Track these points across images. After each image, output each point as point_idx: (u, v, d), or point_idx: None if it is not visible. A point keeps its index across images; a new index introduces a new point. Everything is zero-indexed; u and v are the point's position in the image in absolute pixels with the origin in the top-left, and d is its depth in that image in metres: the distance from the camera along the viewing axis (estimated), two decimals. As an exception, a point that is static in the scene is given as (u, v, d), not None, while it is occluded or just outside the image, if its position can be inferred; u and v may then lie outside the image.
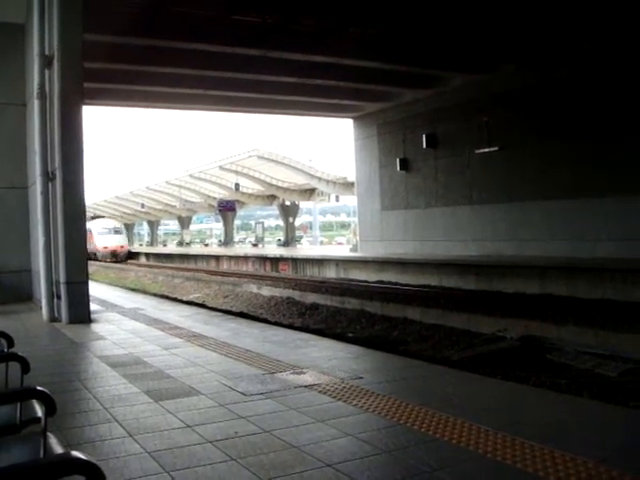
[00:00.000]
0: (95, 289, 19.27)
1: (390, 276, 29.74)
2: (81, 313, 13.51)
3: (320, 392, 6.99)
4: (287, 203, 60.76)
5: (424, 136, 32.77)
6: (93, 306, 14.92)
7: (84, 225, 14.56)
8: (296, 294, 24.74)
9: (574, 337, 13.76)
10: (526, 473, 4.57)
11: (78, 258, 13.61)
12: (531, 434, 5.33)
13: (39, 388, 3.00)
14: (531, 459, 4.81)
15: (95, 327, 12.93)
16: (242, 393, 7.07)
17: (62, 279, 13.41)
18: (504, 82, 27.89)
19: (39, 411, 3.57)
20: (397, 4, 21.23)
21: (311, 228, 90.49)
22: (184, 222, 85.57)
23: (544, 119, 25.97)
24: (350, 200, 57.65)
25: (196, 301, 24.42)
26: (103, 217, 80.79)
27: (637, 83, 22.17)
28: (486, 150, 27.94)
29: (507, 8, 21.01)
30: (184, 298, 26.04)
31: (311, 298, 23.50)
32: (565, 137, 24.84)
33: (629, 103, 22.44)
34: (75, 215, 13.57)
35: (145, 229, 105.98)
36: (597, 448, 5.00)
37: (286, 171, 50.80)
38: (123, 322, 13.54)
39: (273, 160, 49.10)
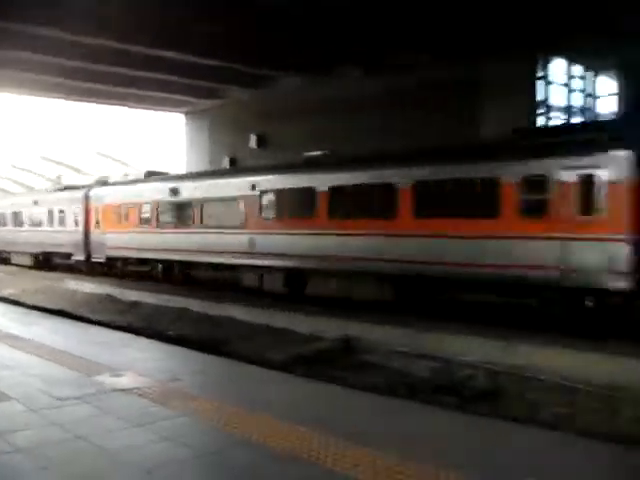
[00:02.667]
0: None
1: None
2: None
3: (138, 395, 6.91)
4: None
5: (254, 136, 32.94)
6: None
7: None
8: (117, 291, 24.06)
9: (388, 337, 14.40)
10: (336, 473, 4.78)
11: None
12: (345, 435, 5.56)
13: None
14: (341, 459, 5.03)
15: None
16: (57, 398, 6.83)
17: None
18: (339, 86, 28.46)
19: None
20: (239, 3, 21.19)
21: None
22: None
23: (377, 125, 26.81)
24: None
25: (11, 297, 23.09)
26: None
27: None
28: (316, 153, 28.47)
29: (348, 14, 21.45)
30: (-2, 293, 24.55)
31: (133, 295, 22.93)
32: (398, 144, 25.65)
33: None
34: None
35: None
36: (398, 445, 5.31)
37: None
38: None
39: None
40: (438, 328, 14.53)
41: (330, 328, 15.41)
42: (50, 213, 33.12)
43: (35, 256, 34.79)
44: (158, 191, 25.77)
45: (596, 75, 29.14)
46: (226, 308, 19.23)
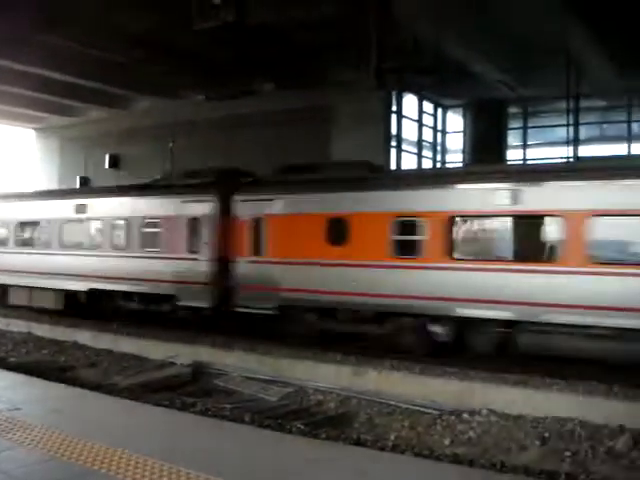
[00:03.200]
0: None
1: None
2: None
3: (-30, 425, 6.45)
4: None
5: (107, 156, 32.12)
6: None
7: None
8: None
9: (241, 363, 14.31)
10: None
11: None
12: (187, 462, 5.41)
13: None
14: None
15: None
16: None
17: None
18: (192, 111, 28.45)
19: None
20: (88, 21, 20.65)
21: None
22: None
23: (229, 149, 26.95)
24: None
25: None
26: None
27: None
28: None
29: (191, 44, 21.56)
30: None
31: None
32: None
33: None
34: None
35: None
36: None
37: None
38: None
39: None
40: (289, 353, 14.57)
41: (182, 353, 15.12)
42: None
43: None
44: None
45: (445, 112, 30.74)
46: (72, 333, 18.45)
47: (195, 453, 5.73)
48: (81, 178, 33.13)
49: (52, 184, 34.57)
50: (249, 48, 21.88)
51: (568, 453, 9.08)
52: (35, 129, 37.56)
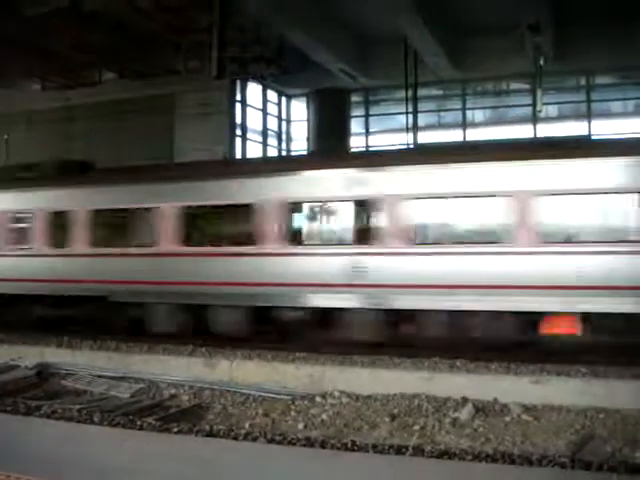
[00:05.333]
0: None
1: None
2: None
3: None
4: None
5: None
6: None
7: None
8: None
9: (89, 361, 13.89)
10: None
11: None
12: (24, 468, 5.17)
13: None
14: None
15: None
16: None
17: None
18: (28, 101, 27.21)
19: None
20: None
21: None
22: None
23: (65, 142, 26.02)
24: None
25: None
26: None
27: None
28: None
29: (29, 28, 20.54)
30: None
31: None
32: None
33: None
34: None
35: None
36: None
37: None
38: None
39: None
40: (140, 349, 14.30)
41: (26, 355, 14.44)
42: None
43: None
44: None
45: (289, 101, 31.09)
46: None
47: (34, 459, 5.54)
48: None
49: None
50: (86, 36, 21.15)
51: (416, 427, 9.53)
52: None
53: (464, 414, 9.87)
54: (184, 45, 22.11)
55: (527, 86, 27.66)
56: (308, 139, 30.01)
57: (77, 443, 6.08)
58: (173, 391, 12.06)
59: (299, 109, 31.32)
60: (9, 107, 27.90)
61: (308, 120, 30.18)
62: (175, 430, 8.72)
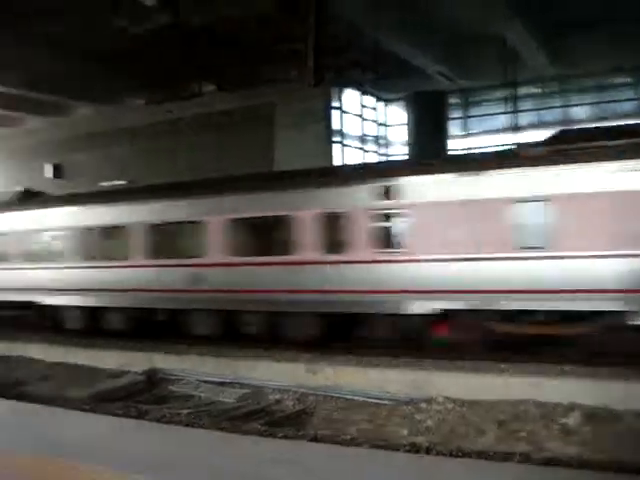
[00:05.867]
0: None
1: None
2: None
3: None
4: None
5: (49, 166, 31.57)
6: None
7: None
8: None
9: (196, 367, 14.21)
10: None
11: None
12: (141, 470, 5.33)
13: None
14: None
15: None
16: None
17: None
18: (132, 116, 28.16)
19: None
20: (12, 29, 20.28)
21: None
22: None
23: (171, 155, 26.77)
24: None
25: None
26: None
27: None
28: (114, 183, 27.89)
29: (133, 46, 21.33)
30: None
31: None
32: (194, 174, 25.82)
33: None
34: None
35: None
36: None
37: None
38: None
39: None
40: (245, 355, 14.52)
41: (135, 361, 14.94)
42: None
43: None
44: None
45: (386, 105, 30.99)
46: (22, 347, 18.06)
47: (150, 460, 5.68)
48: (25, 189, 32.48)
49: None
50: (186, 50, 21.75)
51: (523, 433, 9.27)
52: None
53: (573, 420, 9.53)
54: (281, 55, 22.39)
55: (629, 79, 26.64)
56: (407, 143, 29.83)
57: (186, 447, 6.19)
58: (278, 396, 12.17)
59: (397, 113, 31.19)
60: (114, 123, 28.99)
61: (407, 124, 30.01)
62: (280, 435, 8.79)
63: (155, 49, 21.57)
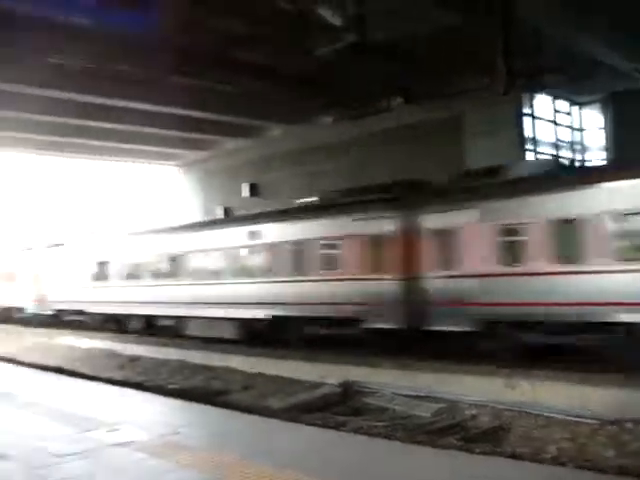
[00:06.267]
0: None
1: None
2: None
3: (136, 449, 6.82)
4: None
5: (246, 185, 33.22)
6: None
7: None
8: (117, 346, 23.86)
9: (391, 380, 14.27)
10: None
11: None
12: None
13: None
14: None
15: None
16: (54, 454, 6.75)
17: None
18: (323, 134, 28.98)
19: None
20: (214, 58, 21.63)
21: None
22: None
23: (361, 170, 27.17)
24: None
25: (6, 356, 22.90)
26: None
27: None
28: (308, 200, 28.70)
29: (321, 66, 21.98)
30: (-5, 353, 24.33)
31: (134, 349, 22.75)
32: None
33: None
34: None
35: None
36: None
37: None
38: None
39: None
40: (440, 368, 14.38)
41: (331, 373, 15.28)
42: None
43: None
44: None
45: (581, 109, 29.58)
46: (223, 358, 19.09)
47: (350, 470, 5.79)
48: (224, 208, 34.47)
49: (196, 217, 36.18)
50: (373, 66, 22.07)
51: None
52: (177, 165, 39.49)
53: None
54: (469, 65, 22.13)
55: None
56: (606, 148, 28.29)
57: (383, 458, 6.25)
58: (473, 411, 11.95)
59: (592, 117, 29.68)
60: (307, 141, 29.98)
61: (605, 127, 28.46)
62: (477, 451, 8.63)
63: (342, 68, 22.11)
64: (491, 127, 24.09)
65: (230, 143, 33.93)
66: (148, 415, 8.62)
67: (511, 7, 18.36)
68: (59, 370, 17.38)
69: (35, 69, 21.32)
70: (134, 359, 21.56)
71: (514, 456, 8.58)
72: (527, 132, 25.58)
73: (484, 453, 8.52)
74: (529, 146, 25.59)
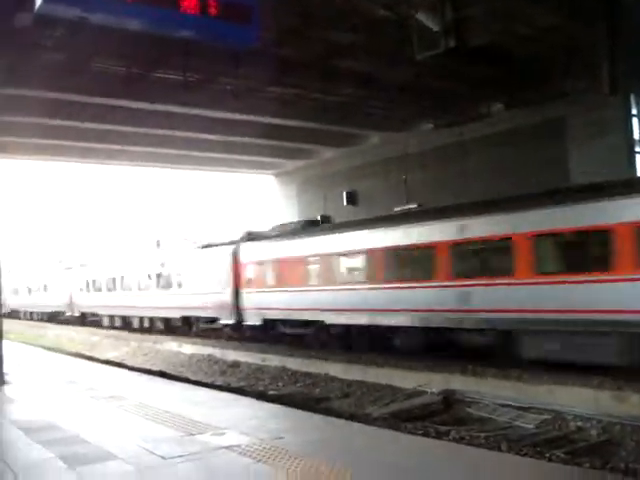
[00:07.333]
0: (9, 348, 18.56)
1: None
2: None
3: (240, 454, 6.92)
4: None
5: (344, 193, 33.31)
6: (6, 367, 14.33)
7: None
8: (217, 352, 24.36)
9: (493, 390, 13.98)
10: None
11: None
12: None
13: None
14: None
15: (8, 390, 12.44)
16: (161, 457, 6.92)
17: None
18: (421, 141, 28.79)
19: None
20: (313, 67, 21.85)
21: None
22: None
23: (460, 177, 26.83)
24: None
25: (114, 360, 23.78)
26: None
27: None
28: (405, 207, 28.54)
29: (419, 72, 21.84)
30: (102, 357, 25.32)
31: (233, 355, 23.17)
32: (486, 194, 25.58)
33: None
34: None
35: None
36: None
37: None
38: (38, 384, 13.08)
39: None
40: (545, 379, 13.96)
41: (431, 382, 15.12)
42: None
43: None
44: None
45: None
46: (322, 365, 19.17)
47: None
48: (322, 216, 34.62)
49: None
50: (472, 71, 21.79)
51: None
52: (274, 174, 40.04)
53: None
54: (571, 66, 21.50)
55: None
56: None
57: (487, 470, 6.12)
58: (580, 424, 11.54)
59: None
60: (404, 149, 29.82)
61: None
62: (587, 466, 8.33)
63: (442, 73, 21.91)
64: (596, 130, 23.25)
65: (328, 152, 34.16)
66: (251, 420, 8.73)
67: (615, 7, 17.77)
68: (163, 374, 17.89)
69: (133, 83, 22.16)
70: (234, 365, 21.97)
71: (626, 472, 8.24)
72: (636, 135, 24.58)
73: (594, 468, 8.21)
74: (638, 149, 24.58)
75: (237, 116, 26.47)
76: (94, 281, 40.82)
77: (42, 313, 49.73)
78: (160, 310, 32.40)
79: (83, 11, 9.69)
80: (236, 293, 26.19)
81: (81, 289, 42.58)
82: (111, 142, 29.85)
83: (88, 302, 41.72)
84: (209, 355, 24.32)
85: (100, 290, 39.89)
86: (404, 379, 16.03)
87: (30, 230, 75.36)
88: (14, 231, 65.57)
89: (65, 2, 9.49)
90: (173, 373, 19.76)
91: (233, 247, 27.05)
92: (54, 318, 46.69)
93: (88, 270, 42.48)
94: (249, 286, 25.65)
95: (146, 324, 34.67)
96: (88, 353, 26.69)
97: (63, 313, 45.29)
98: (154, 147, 31.33)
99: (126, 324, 37.17)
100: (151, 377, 14.83)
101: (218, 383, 18.16)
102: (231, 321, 26.59)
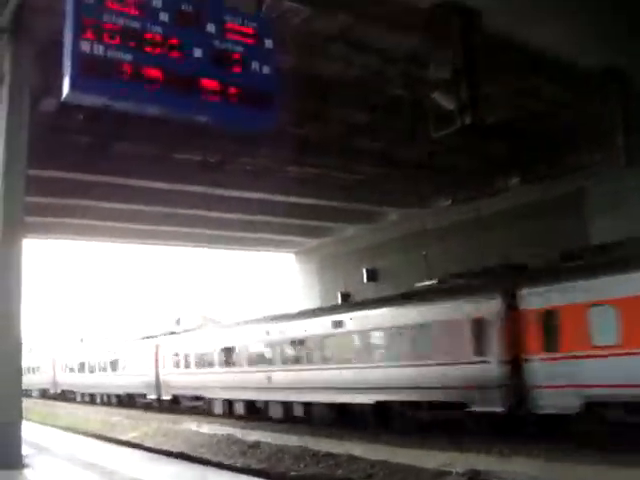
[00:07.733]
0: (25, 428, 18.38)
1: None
2: (11, 457, 12.71)
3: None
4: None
5: (364, 270, 33.31)
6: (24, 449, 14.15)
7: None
8: (237, 432, 23.98)
9: (521, 469, 13.57)
10: None
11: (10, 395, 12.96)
12: None
13: None
14: None
15: (27, 473, 12.25)
16: None
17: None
18: (439, 217, 28.91)
19: None
20: (332, 147, 22.21)
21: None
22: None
23: (479, 252, 26.75)
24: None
25: (133, 441, 23.41)
26: None
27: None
28: (426, 283, 28.43)
29: (436, 149, 22.12)
30: (122, 438, 24.94)
31: (253, 435, 22.79)
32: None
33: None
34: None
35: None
36: None
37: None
38: (57, 467, 12.89)
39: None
40: (584, 459, 13.49)
41: (457, 461, 14.73)
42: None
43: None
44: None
45: None
46: (345, 445, 18.79)
47: None
48: (342, 294, 34.56)
49: (313, 303, 36.43)
50: (488, 147, 22.05)
51: None
52: (294, 252, 40.21)
53: None
54: (586, 139, 21.71)
55: None
56: None
57: None
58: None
59: None
60: (422, 225, 29.94)
61: None
62: None
63: (458, 150, 22.19)
64: (615, 200, 23.21)
65: (348, 229, 34.38)
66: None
67: (627, 84, 18.03)
68: (182, 456, 17.60)
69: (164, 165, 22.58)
70: (254, 445, 21.55)
71: None
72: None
73: None
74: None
75: (256, 195, 26.80)
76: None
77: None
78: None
79: (109, 100, 9.97)
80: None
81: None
82: (129, 221, 30.24)
83: None
84: (228, 435, 23.91)
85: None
86: (428, 459, 15.63)
87: (59, 307, 75.83)
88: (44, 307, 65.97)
89: (93, 91, 9.72)
90: (193, 454, 19.41)
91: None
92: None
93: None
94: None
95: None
96: (107, 434, 26.36)
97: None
98: (175, 226, 31.67)
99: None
100: (170, 459, 14.56)
101: (239, 464, 17.80)
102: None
